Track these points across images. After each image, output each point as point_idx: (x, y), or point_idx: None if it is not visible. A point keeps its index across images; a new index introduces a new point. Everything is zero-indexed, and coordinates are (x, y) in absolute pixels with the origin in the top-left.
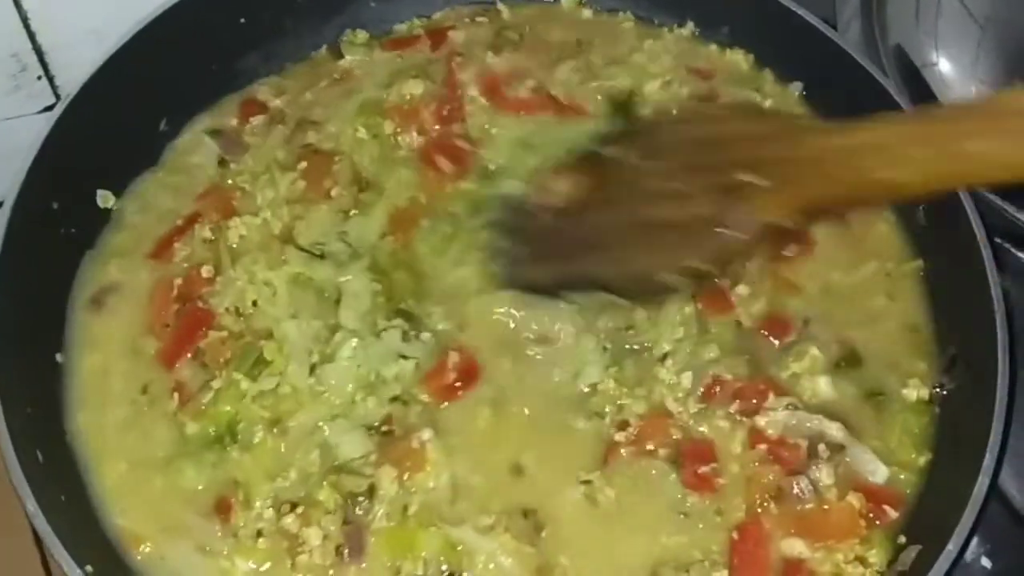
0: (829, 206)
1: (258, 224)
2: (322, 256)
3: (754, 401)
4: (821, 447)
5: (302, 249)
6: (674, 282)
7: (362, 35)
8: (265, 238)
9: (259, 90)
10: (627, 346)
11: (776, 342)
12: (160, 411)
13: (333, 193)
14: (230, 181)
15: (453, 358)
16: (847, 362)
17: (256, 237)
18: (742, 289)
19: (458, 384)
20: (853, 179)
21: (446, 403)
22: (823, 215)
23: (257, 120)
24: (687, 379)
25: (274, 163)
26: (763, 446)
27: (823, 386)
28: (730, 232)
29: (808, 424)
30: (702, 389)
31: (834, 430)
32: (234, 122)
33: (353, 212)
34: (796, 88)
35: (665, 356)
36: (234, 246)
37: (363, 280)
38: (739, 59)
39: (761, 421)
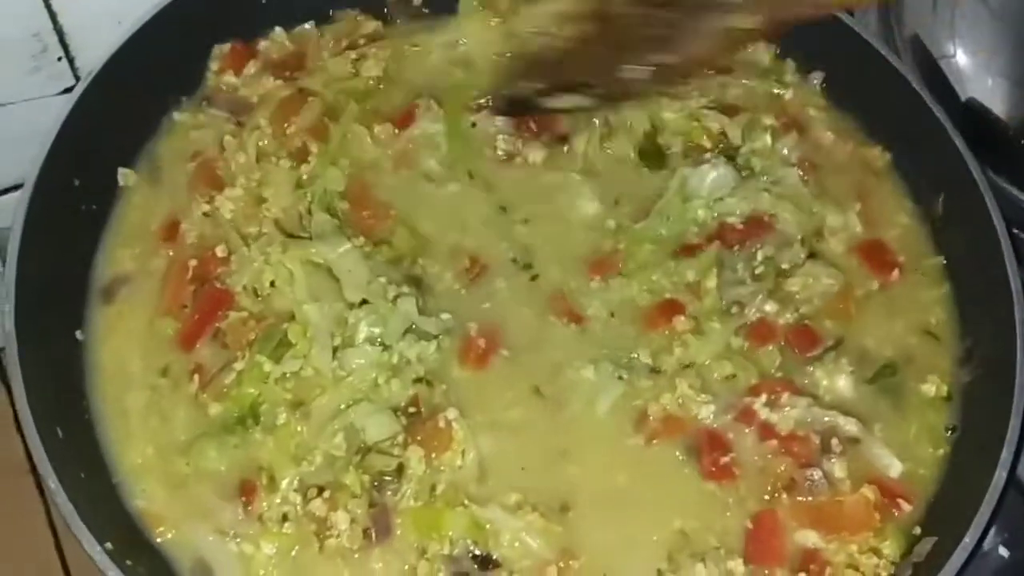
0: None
1: (240, 194)
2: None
3: (770, 397)
4: (834, 441)
5: (289, 235)
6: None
7: None
8: (251, 207)
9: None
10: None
11: (801, 354)
12: (181, 393)
13: (289, 132)
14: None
15: (473, 329)
16: (877, 374)
17: (249, 210)
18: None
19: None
20: None
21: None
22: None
23: (249, 69)
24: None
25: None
26: (774, 441)
27: (842, 384)
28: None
29: (824, 419)
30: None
31: (849, 425)
32: (228, 78)
33: (306, 165)
34: (816, 78)
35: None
36: (229, 219)
37: (352, 255)
38: (760, 50)
39: (774, 417)
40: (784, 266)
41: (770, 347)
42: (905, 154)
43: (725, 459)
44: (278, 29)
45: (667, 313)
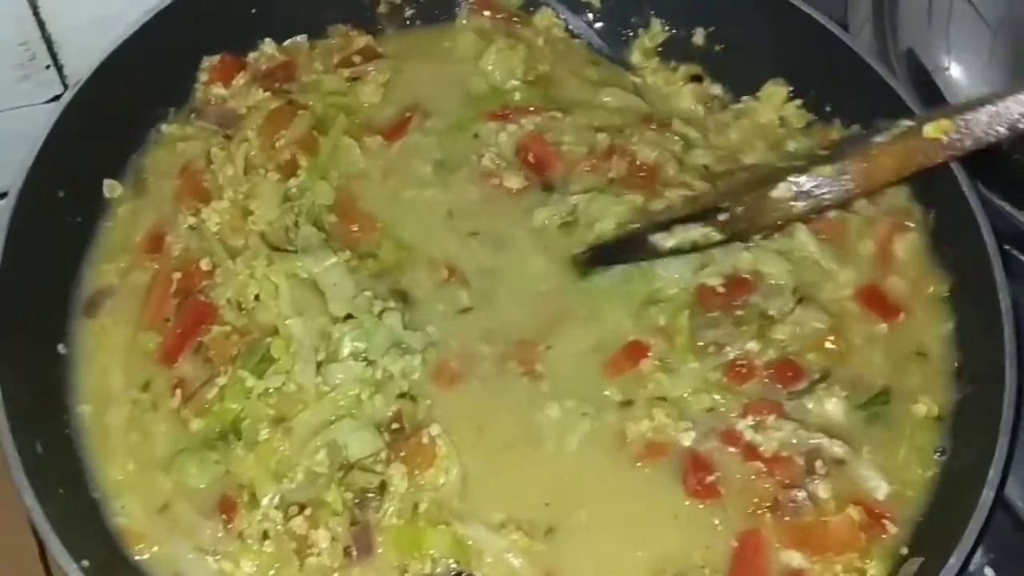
0: None
1: (226, 207)
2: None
3: (757, 419)
4: (818, 463)
5: (275, 248)
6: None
7: None
8: (236, 220)
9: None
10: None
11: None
12: (163, 408)
13: (278, 145)
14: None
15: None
16: (869, 401)
17: (236, 223)
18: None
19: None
20: None
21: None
22: None
23: (239, 81)
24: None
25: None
26: (758, 462)
27: (832, 408)
28: None
29: (810, 441)
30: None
31: (836, 447)
32: (217, 89)
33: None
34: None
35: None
36: (215, 232)
37: (338, 268)
38: None
39: (759, 438)
40: (771, 313)
41: (751, 383)
42: None
43: (710, 478)
44: (268, 40)
45: (633, 356)
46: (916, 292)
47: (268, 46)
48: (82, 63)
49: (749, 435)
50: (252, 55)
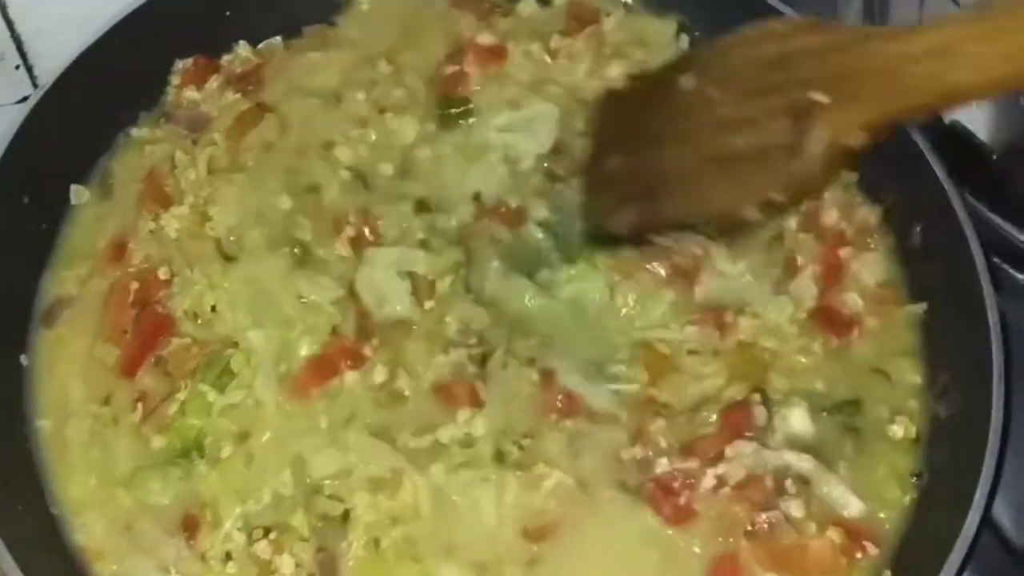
0: (896, 118)
1: (186, 212)
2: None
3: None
4: (788, 482)
5: (228, 257)
6: (755, 216)
7: None
8: (196, 226)
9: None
10: None
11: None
12: (124, 423)
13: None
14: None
15: None
16: (836, 408)
17: (195, 229)
18: None
19: None
20: (918, 86)
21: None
22: (889, 130)
23: (212, 84)
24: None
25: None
26: (727, 489)
27: (798, 422)
28: (803, 159)
29: (775, 462)
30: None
31: (803, 463)
32: (189, 93)
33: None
34: None
35: None
36: (174, 238)
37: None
38: None
39: (720, 470)
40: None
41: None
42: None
43: (682, 501)
44: (243, 43)
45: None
46: (881, 309)
47: (242, 48)
48: (54, 64)
49: (709, 472)
50: (226, 57)
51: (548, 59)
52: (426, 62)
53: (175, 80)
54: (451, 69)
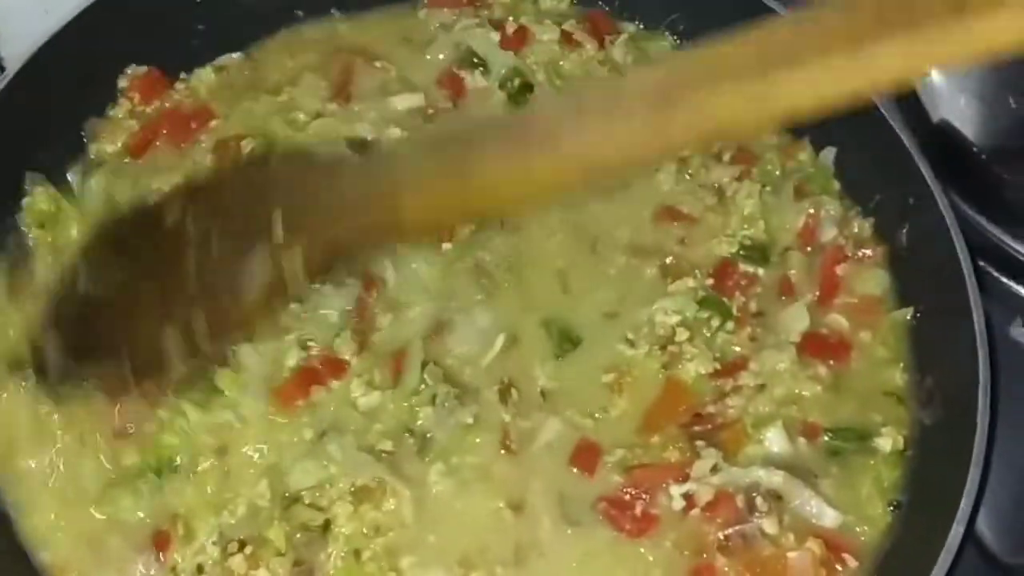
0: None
1: None
2: None
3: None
4: (759, 499)
5: None
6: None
7: None
8: None
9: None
10: None
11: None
12: (95, 439)
13: None
14: None
15: None
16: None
17: None
18: None
19: None
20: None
21: None
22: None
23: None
24: None
25: None
26: (696, 510)
27: (774, 441)
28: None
29: (745, 479)
30: None
31: (774, 477)
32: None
33: None
34: None
35: None
36: None
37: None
38: None
39: (687, 487)
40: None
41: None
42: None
43: (637, 511)
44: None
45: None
46: (868, 320)
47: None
48: (22, 48)
49: (676, 493)
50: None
51: None
52: None
53: (122, 83)
54: None
